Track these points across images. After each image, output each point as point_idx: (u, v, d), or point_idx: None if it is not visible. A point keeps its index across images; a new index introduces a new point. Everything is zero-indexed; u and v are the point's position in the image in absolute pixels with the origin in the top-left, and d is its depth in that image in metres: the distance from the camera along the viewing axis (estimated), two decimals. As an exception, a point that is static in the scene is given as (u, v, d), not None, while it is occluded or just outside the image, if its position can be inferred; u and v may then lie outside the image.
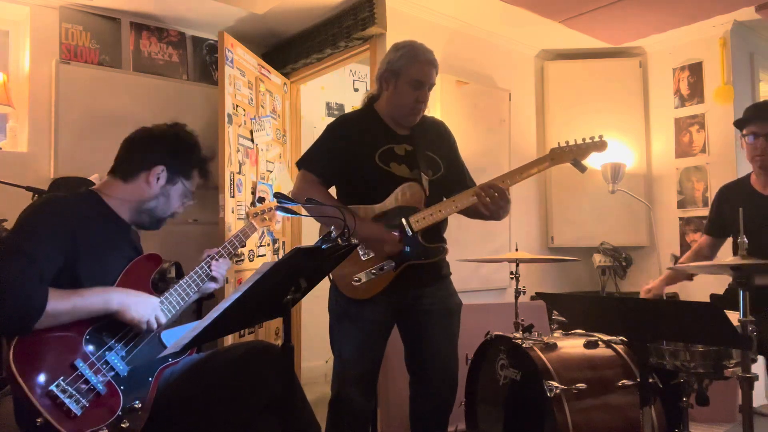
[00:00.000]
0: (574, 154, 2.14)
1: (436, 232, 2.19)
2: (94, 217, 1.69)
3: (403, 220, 2.11)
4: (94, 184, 2.76)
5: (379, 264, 2.10)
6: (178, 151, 1.84)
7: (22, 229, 1.56)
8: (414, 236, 2.11)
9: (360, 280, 2.09)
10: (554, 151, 2.18)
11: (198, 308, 2.14)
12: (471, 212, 2.24)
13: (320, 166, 2.22)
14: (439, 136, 2.35)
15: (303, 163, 2.26)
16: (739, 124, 2.57)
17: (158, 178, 1.79)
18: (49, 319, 1.46)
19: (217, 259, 1.94)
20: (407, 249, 2.10)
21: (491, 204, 2.08)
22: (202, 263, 1.91)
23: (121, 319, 1.60)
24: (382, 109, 2.26)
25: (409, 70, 2.16)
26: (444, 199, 2.17)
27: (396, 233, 2.09)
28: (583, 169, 2.13)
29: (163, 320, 1.70)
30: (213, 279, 1.92)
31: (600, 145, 2.14)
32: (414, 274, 2.13)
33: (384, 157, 2.18)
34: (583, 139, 2.15)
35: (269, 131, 3.77)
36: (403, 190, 2.14)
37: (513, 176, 2.15)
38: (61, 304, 1.48)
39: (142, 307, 1.63)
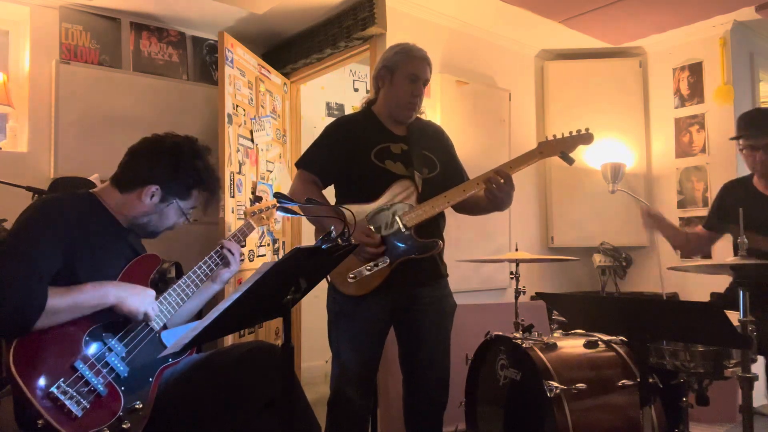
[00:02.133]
0: (561, 147, 2.17)
1: (432, 229, 2.21)
2: (92, 219, 1.69)
3: (396, 217, 2.13)
4: (94, 184, 2.76)
5: (374, 260, 2.11)
6: (176, 172, 1.77)
7: (21, 231, 1.56)
8: (407, 232, 2.13)
9: (355, 276, 2.10)
10: (542, 144, 2.21)
11: (199, 309, 2.14)
12: (470, 207, 2.27)
13: (318, 165, 2.25)
14: (436, 138, 2.39)
15: (301, 163, 2.29)
16: (737, 137, 2.60)
17: (152, 196, 1.75)
18: (49, 317, 1.46)
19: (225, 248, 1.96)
20: (406, 245, 2.11)
21: (497, 190, 2.10)
22: (200, 263, 1.91)
23: (119, 311, 1.60)
24: (379, 110, 2.31)
25: (405, 65, 2.22)
26: None
27: (376, 237, 2.10)
28: (570, 161, 2.16)
29: (158, 311, 1.70)
30: (227, 263, 1.94)
31: (586, 138, 2.16)
32: (410, 272, 2.14)
33: (380, 155, 2.21)
34: (570, 132, 2.18)
35: (269, 131, 3.77)
36: (395, 188, 2.17)
37: (504, 168, 2.16)
38: (60, 300, 1.48)
39: (138, 298, 1.64)
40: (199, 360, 1.80)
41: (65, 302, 1.49)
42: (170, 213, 1.81)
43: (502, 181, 2.10)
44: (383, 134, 2.26)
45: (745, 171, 2.71)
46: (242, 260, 3.36)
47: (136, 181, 1.75)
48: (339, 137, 2.26)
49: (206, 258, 1.93)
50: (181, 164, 1.78)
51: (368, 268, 2.09)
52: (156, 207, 1.77)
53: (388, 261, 2.11)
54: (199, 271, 1.89)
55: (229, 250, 1.96)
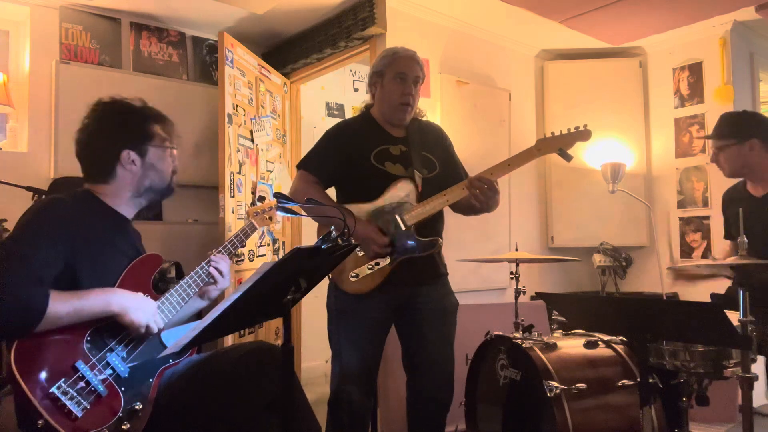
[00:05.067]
0: (559, 144, 2.18)
1: (431, 227, 2.22)
2: (92, 217, 1.68)
3: (396, 216, 2.14)
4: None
5: (375, 259, 2.12)
6: (124, 126, 1.76)
7: (22, 233, 1.55)
8: (407, 231, 2.13)
9: (357, 275, 2.11)
10: (540, 142, 2.22)
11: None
12: (464, 208, 2.29)
13: (318, 167, 2.27)
14: (434, 138, 2.40)
15: (301, 165, 2.31)
16: (704, 137, 2.61)
17: (133, 161, 1.74)
18: (50, 321, 1.46)
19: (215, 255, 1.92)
20: (406, 243, 2.13)
21: (481, 195, 2.12)
22: (203, 263, 1.90)
23: (120, 321, 1.59)
24: (376, 113, 2.33)
25: (392, 66, 2.25)
26: None
27: (384, 235, 2.13)
28: (568, 158, 2.16)
29: (161, 324, 1.70)
30: (213, 280, 1.87)
31: (584, 134, 2.17)
32: (410, 271, 2.16)
33: (379, 157, 2.23)
34: (568, 129, 2.18)
35: (269, 131, 3.77)
36: (395, 187, 2.19)
37: (501, 168, 2.18)
38: (62, 306, 1.47)
39: (141, 311, 1.62)
40: (199, 360, 1.79)
41: (67, 308, 1.48)
42: (157, 159, 1.78)
43: (485, 187, 2.11)
44: (382, 136, 2.28)
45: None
46: (242, 261, 3.38)
47: (109, 163, 1.73)
48: (339, 141, 2.29)
49: (203, 263, 1.90)
50: (122, 117, 1.77)
51: (369, 266, 2.12)
52: (143, 165, 1.75)
53: (389, 259, 2.12)
54: (201, 271, 1.88)
55: (218, 270, 1.87)
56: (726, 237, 2.82)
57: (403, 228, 2.14)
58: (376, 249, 2.10)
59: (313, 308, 3.37)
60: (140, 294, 1.67)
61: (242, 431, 1.68)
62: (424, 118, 2.41)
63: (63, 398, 1.43)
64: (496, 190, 2.14)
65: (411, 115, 2.31)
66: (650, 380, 1.65)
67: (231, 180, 3.26)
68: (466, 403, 2.47)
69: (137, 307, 1.62)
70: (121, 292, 1.63)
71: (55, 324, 1.47)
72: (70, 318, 1.50)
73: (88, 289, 1.56)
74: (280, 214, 2.20)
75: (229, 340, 2.98)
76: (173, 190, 1.83)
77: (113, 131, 1.75)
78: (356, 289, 2.13)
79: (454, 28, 3.80)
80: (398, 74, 2.23)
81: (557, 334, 2.44)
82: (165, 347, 1.72)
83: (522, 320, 2.43)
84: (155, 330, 1.66)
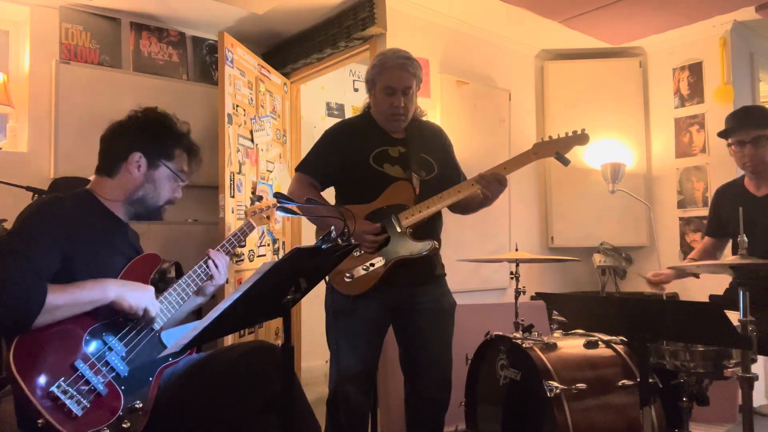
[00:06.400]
0: (556, 148, 2.17)
1: (428, 229, 2.22)
2: (91, 217, 1.69)
3: (392, 219, 2.15)
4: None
5: (370, 260, 2.13)
6: (148, 133, 1.79)
7: (20, 231, 1.56)
8: (403, 233, 2.14)
9: (352, 276, 2.12)
10: (537, 145, 2.22)
11: (198, 308, 2.14)
12: (463, 207, 2.30)
13: (315, 168, 2.28)
14: (434, 139, 2.40)
15: (300, 167, 2.32)
16: (723, 134, 2.60)
17: (139, 166, 1.76)
18: (49, 313, 1.46)
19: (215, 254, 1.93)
20: (401, 246, 2.14)
21: (493, 190, 2.15)
22: (201, 262, 1.91)
23: (118, 308, 1.59)
24: (376, 114, 2.32)
25: (380, 78, 2.23)
26: None
27: (377, 224, 2.14)
28: (566, 162, 2.16)
29: (158, 309, 1.70)
30: (210, 277, 1.89)
31: (582, 138, 2.17)
32: (407, 272, 2.16)
33: (378, 159, 2.23)
34: (566, 133, 2.18)
35: (269, 131, 3.77)
36: (392, 189, 2.19)
37: (497, 171, 2.18)
38: (59, 297, 1.48)
39: (138, 295, 1.63)
40: (199, 360, 1.80)
41: (64, 298, 1.49)
42: (162, 179, 1.80)
43: (497, 182, 2.14)
44: (381, 138, 2.28)
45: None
46: (242, 261, 3.38)
47: (118, 158, 1.76)
48: (337, 142, 2.29)
49: (201, 262, 1.92)
50: (151, 125, 1.81)
51: (364, 267, 2.12)
52: (146, 175, 1.77)
53: (384, 261, 2.12)
54: (199, 270, 1.89)
55: (215, 264, 1.91)
56: (710, 234, 2.79)
57: (399, 230, 2.14)
58: (370, 238, 2.10)
59: (313, 308, 3.37)
60: (137, 282, 1.67)
61: (242, 431, 1.68)
62: (424, 118, 2.40)
63: (63, 397, 1.43)
64: (506, 184, 2.17)
65: (406, 123, 2.29)
66: (650, 380, 1.65)
67: (231, 180, 3.26)
68: (466, 403, 2.47)
69: (133, 291, 1.63)
70: (116, 281, 1.64)
71: (54, 316, 1.48)
72: (69, 308, 1.50)
73: (84, 280, 1.56)
74: (279, 214, 2.20)
75: (229, 340, 2.98)
76: (161, 217, 1.85)
77: (138, 132, 1.79)
78: (351, 290, 2.14)
79: (454, 28, 3.80)
80: (386, 88, 2.20)
81: (557, 334, 2.44)
82: (165, 347, 1.72)
83: (522, 320, 2.43)
84: (152, 314, 1.66)
